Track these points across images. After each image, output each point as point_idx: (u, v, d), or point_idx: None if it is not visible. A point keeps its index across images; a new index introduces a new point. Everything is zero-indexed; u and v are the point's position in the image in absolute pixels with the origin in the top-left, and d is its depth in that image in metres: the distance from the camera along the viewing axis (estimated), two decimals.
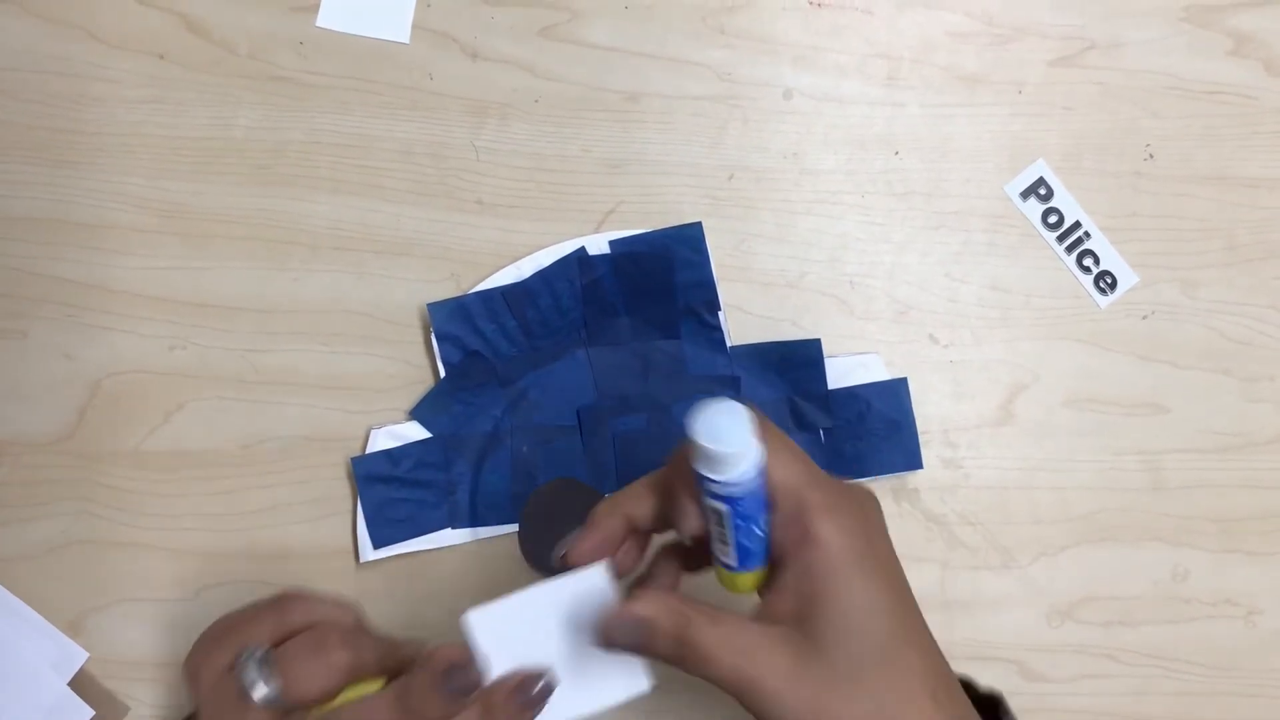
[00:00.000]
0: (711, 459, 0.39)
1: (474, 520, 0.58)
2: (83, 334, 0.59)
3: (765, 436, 0.40)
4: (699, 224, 0.58)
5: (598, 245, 0.58)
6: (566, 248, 0.58)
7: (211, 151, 0.60)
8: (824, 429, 0.58)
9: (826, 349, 0.59)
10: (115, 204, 0.60)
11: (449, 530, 0.58)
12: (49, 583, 0.58)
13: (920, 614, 0.42)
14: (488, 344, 0.57)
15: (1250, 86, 0.60)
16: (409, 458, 0.57)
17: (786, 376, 0.58)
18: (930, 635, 0.42)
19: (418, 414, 0.58)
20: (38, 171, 0.60)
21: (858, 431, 0.58)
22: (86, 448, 0.59)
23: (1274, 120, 0.60)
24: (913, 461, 0.58)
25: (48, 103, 0.60)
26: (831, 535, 0.40)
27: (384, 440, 0.58)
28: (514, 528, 0.58)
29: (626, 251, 0.58)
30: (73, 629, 0.58)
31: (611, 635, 0.41)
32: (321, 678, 0.42)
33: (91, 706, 0.56)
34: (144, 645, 0.58)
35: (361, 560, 0.57)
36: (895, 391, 0.58)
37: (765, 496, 0.41)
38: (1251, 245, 0.60)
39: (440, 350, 0.58)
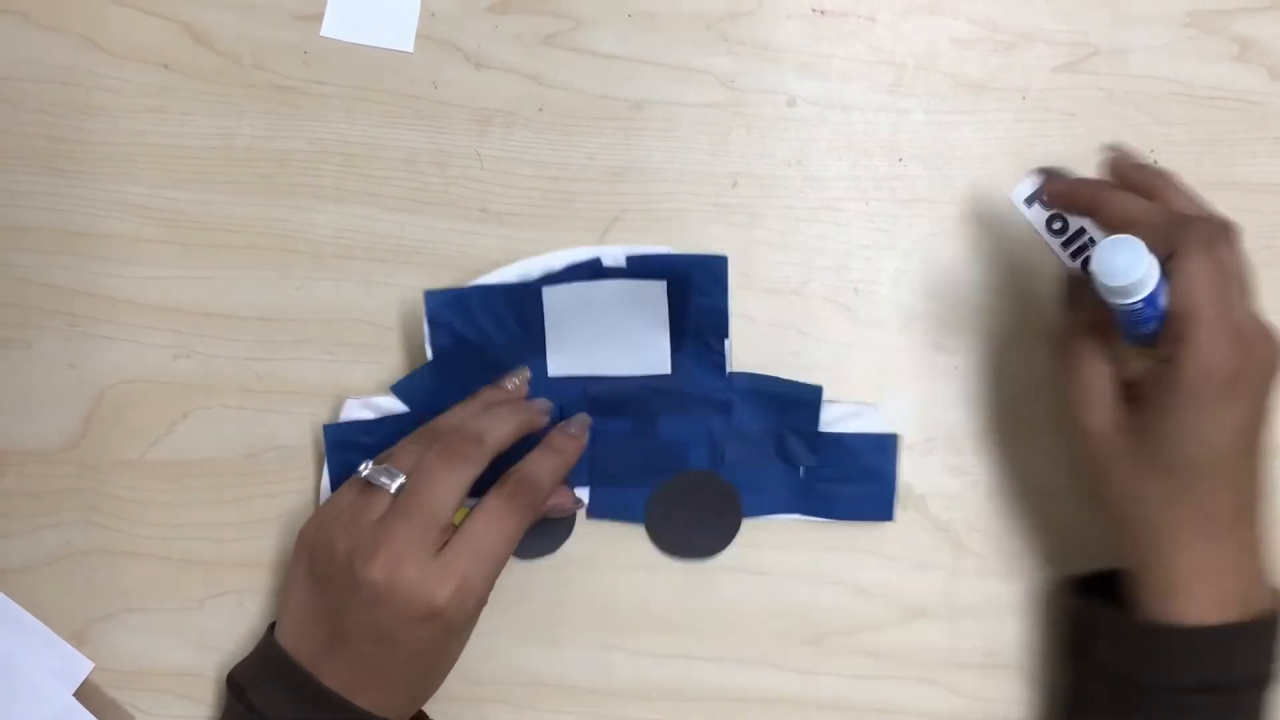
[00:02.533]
0: (1114, 291, 0.45)
1: None
2: (86, 344, 0.59)
3: (1181, 254, 0.46)
4: (724, 259, 0.57)
5: (613, 257, 0.57)
6: (579, 255, 0.58)
7: (215, 161, 0.60)
8: (805, 466, 0.58)
9: (831, 356, 0.59)
10: (118, 213, 0.60)
11: None
12: (53, 593, 0.58)
13: (1259, 468, 0.49)
14: (482, 335, 0.57)
15: (1255, 92, 0.60)
16: (383, 429, 0.57)
17: (780, 413, 0.58)
18: (1260, 489, 0.49)
19: (399, 389, 0.58)
20: (41, 181, 0.60)
21: (838, 475, 0.58)
22: (90, 458, 0.59)
23: (1279, 125, 0.60)
24: (885, 513, 0.58)
25: (51, 112, 0.60)
26: (1193, 364, 0.46)
27: (357, 410, 0.57)
28: None
29: (644, 270, 0.56)
30: (77, 639, 0.58)
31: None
32: (448, 480, 0.50)
33: (96, 717, 0.56)
34: (149, 655, 0.58)
35: None
36: (884, 447, 0.58)
37: (1163, 299, 0.46)
38: (1258, 250, 0.59)
39: (431, 335, 0.57)
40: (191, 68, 0.60)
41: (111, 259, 0.59)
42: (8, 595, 0.58)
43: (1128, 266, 0.44)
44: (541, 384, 0.58)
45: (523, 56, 0.60)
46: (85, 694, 0.57)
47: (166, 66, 0.60)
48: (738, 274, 0.59)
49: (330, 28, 0.60)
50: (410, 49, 0.60)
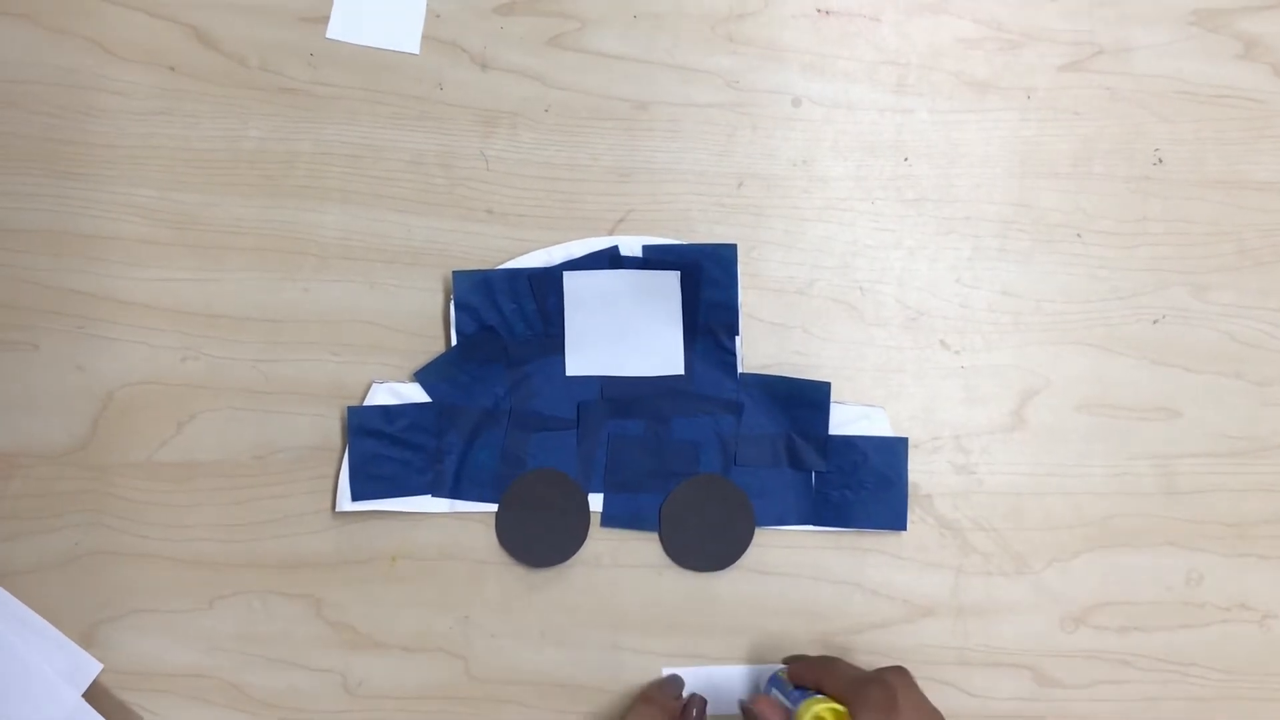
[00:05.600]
0: None
1: (455, 493, 0.58)
2: (94, 346, 0.59)
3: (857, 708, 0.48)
4: (734, 246, 0.58)
5: (630, 247, 0.58)
6: (599, 243, 0.58)
7: (222, 163, 0.60)
8: (817, 472, 0.58)
9: (837, 355, 0.59)
10: (125, 216, 0.60)
11: (429, 497, 0.58)
12: (62, 594, 0.58)
13: None
14: (505, 322, 0.58)
15: (1259, 90, 0.60)
16: (404, 418, 0.58)
17: (790, 414, 0.58)
18: None
19: (421, 377, 0.58)
20: (48, 184, 0.60)
21: (849, 481, 0.58)
22: (99, 459, 0.59)
23: None
24: (898, 522, 0.58)
25: (58, 115, 0.60)
26: None
27: (383, 396, 0.58)
28: (492, 508, 0.58)
29: (659, 259, 0.58)
30: (86, 640, 0.58)
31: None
32: None
33: (105, 718, 0.56)
34: (157, 656, 0.58)
35: (337, 509, 0.58)
36: (894, 450, 0.58)
37: None
38: (1262, 248, 0.60)
39: (456, 319, 0.58)
40: (198, 70, 0.60)
41: (119, 261, 0.59)
42: (16, 596, 0.58)
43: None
44: (559, 383, 0.58)
45: (528, 57, 0.60)
46: (94, 695, 0.57)
47: (173, 69, 0.60)
48: (744, 275, 0.59)
49: (336, 29, 0.61)
50: (416, 50, 0.60)
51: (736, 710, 0.58)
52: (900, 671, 0.50)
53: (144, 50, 0.60)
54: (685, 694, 0.57)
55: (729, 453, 0.58)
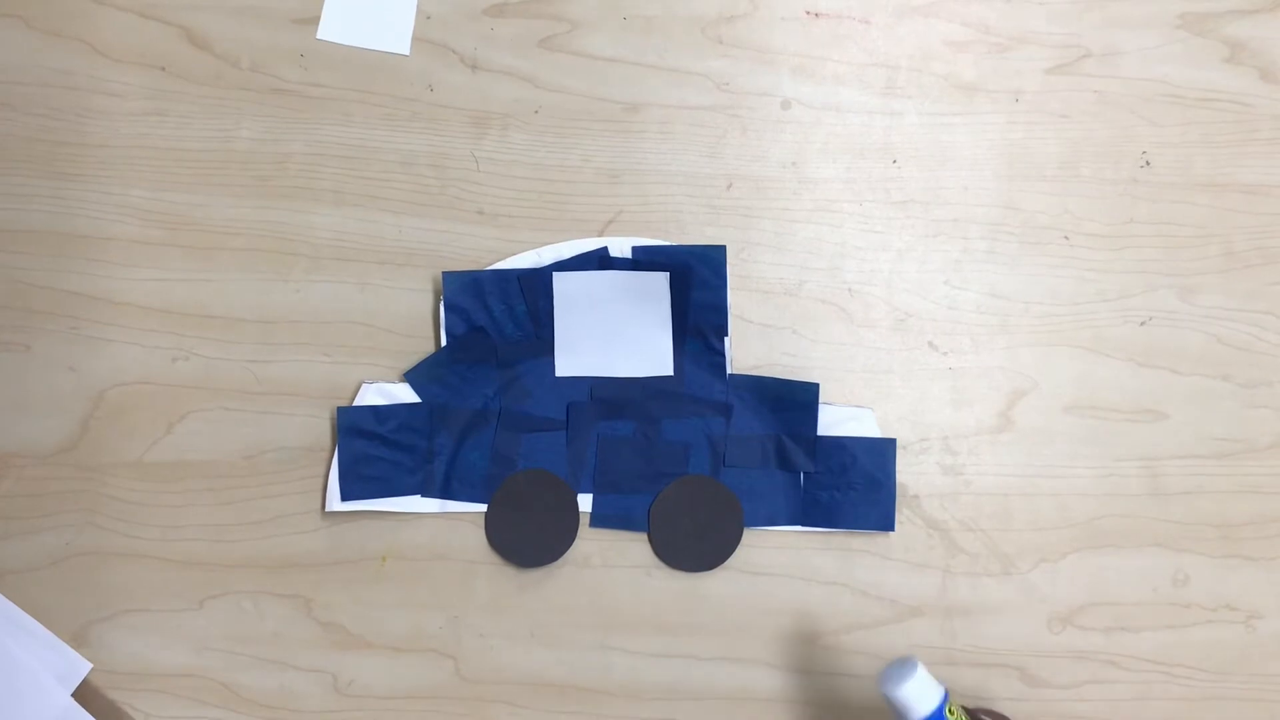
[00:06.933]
0: (889, 701, 0.50)
1: (446, 493, 0.58)
2: (86, 346, 0.59)
3: None
4: (723, 248, 0.58)
5: (619, 248, 0.58)
6: (588, 245, 0.59)
7: (214, 163, 0.60)
8: (805, 473, 0.58)
9: (826, 356, 0.59)
10: (118, 216, 0.60)
11: (418, 498, 0.58)
12: (53, 594, 0.58)
13: None
14: (494, 323, 0.58)
15: (1246, 94, 0.61)
16: (394, 418, 0.58)
17: (779, 415, 0.58)
18: None
19: (411, 377, 0.58)
20: (41, 184, 0.60)
21: (838, 482, 0.58)
22: (90, 459, 0.59)
23: (1270, 127, 0.60)
24: (886, 523, 0.58)
25: (51, 116, 0.60)
26: None
27: (373, 396, 0.58)
28: (482, 508, 0.58)
29: (648, 260, 0.58)
30: (76, 640, 0.58)
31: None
32: None
33: (96, 717, 0.56)
34: (147, 656, 0.58)
35: (327, 509, 0.58)
36: (882, 451, 0.58)
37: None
38: (1249, 251, 0.60)
39: (446, 320, 0.58)
40: (190, 71, 0.60)
41: (111, 261, 0.60)
42: (7, 596, 0.58)
43: (902, 686, 0.50)
44: (549, 384, 0.58)
45: (519, 59, 0.61)
46: (84, 695, 0.57)
47: (165, 70, 0.61)
48: (733, 276, 0.59)
49: (327, 31, 0.61)
50: (407, 51, 0.61)
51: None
52: None
53: (136, 51, 0.60)
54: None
55: (718, 453, 0.59)
